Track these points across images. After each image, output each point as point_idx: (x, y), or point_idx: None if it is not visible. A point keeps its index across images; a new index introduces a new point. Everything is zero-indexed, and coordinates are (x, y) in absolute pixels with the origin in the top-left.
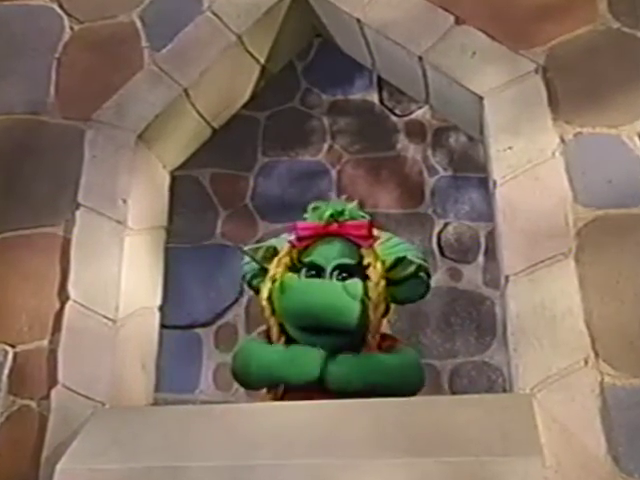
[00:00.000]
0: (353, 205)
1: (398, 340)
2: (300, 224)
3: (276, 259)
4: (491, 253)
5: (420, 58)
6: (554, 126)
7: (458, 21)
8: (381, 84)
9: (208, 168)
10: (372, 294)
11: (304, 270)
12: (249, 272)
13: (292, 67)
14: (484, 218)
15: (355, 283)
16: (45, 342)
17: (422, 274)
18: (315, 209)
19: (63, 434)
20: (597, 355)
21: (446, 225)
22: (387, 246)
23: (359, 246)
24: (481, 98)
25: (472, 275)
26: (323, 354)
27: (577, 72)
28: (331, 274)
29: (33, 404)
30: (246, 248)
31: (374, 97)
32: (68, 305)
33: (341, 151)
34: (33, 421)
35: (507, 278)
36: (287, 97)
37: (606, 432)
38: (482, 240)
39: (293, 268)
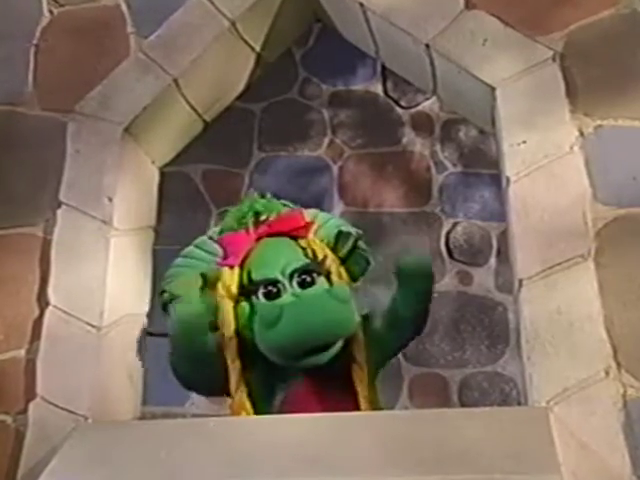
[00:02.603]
0: (269, 198)
1: None
2: (226, 239)
3: (220, 289)
4: (504, 255)
5: (427, 46)
6: (572, 118)
7: (468, 5)
8: (385, 74)
9: (200, 164)
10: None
11: (260, 289)
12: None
13: (290, 55)
14: (496, 217)
15: (340, 287)
16: (22, 351)
17: (361, 244)
18: (230, 215)
19: (41, 451)
20: (619, 365)
21: (455, 225)
22: (320, 228)
23: (296, 238)
24: (493, 89)
25: (483, 279)
26: None
27: (598, 60)
28: (290, 284)
29: (9, 419)
30: (169, 288)
31: (378, 88)
32: (48, 311)
33: (343, 146)
34: (8, 437)
35: (521, 282)
36: (285, 88)
37: (630, 450)
38: (494, 241)
39: (242, 290)
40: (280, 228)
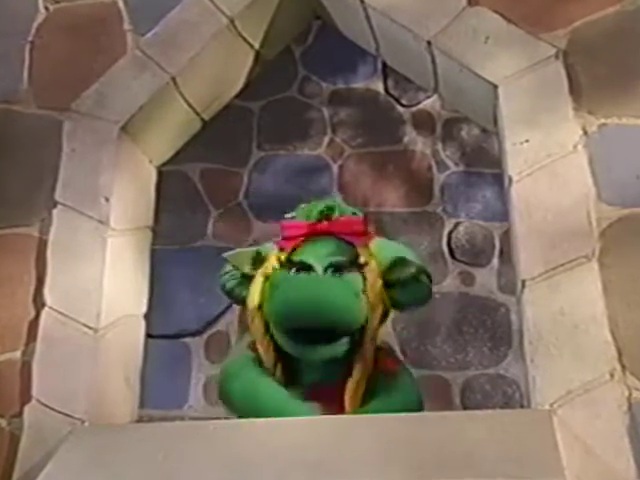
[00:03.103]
0: (342, 201)
1: (397, 362)
2: (286, 223)
3: (263, 266)
4: (506, 255)
5: (429, 43)
6: (576, 117)
7: (471, 2)
8: (386, 71)
9: (198, 163)
10: (370, 292)
11: (293, 270)
12: (229, 280)
13: (289, 53)
14: (498, 217)
15: (354, 277)
16: (18, 353)
17: (423, 278)
18: (303, 208)
19: (37, 455)
20: (624, 368)
21: (457, 225)
22: (384, 246)
23: (353, 245)
24: (495, 87)
25: (485, 279)
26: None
27: (602, 57)
28: (324, 274)
29: (4, 422)
30: (227, 254)
31: (378, 86)
32: (44, 312)
33: (343, 145)
34: (3, 441)
35: (524, 283)
36: (284, 86)
37: (635, 453)
38: (496, 241)
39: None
40: (339, 229)
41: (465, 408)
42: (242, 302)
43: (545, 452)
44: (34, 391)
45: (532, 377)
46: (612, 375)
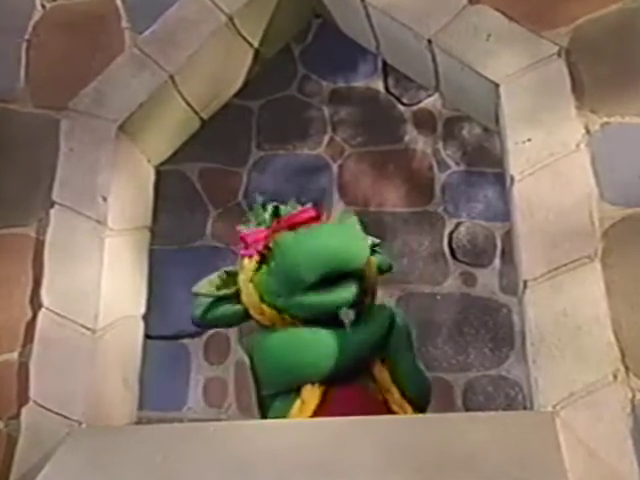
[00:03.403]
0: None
1: None
2: (246, 234)
3: (241, 275)
4: (508, 256)
5: (429, 41)
6: (578, 115)
7: (472, 0)
8: (387, 70)
9: (197, 162)
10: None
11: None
12: (197, 308)
13: (289, 51)
14: (500, 217)
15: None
16: (15, 355)
17: (377, 249)
18: (251, 217)
19: (34, 457)
20: (627, 369)
21: (458, 225)
22: None
23: None
24: (497, 85)
25: (487, 280)
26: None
27: (605, 55)
28: None
29: (1, 424)
30: (194, 289)
31: (379, 84)
32: (41, 313)
33: (343, 144)
34: (0, 443)
35: (526, 283)
36: (283, 84)
37: (639, 456)
38: (498, 241)
39: None
40: (295, 221)
41: (467, 410)
42: (220, 323)
43: (548, 454)
44: (31, 392)
45: (534, 379)
46: (615, 376)
